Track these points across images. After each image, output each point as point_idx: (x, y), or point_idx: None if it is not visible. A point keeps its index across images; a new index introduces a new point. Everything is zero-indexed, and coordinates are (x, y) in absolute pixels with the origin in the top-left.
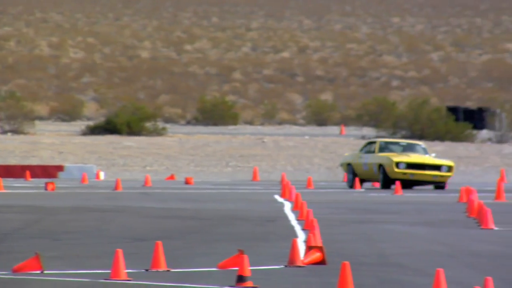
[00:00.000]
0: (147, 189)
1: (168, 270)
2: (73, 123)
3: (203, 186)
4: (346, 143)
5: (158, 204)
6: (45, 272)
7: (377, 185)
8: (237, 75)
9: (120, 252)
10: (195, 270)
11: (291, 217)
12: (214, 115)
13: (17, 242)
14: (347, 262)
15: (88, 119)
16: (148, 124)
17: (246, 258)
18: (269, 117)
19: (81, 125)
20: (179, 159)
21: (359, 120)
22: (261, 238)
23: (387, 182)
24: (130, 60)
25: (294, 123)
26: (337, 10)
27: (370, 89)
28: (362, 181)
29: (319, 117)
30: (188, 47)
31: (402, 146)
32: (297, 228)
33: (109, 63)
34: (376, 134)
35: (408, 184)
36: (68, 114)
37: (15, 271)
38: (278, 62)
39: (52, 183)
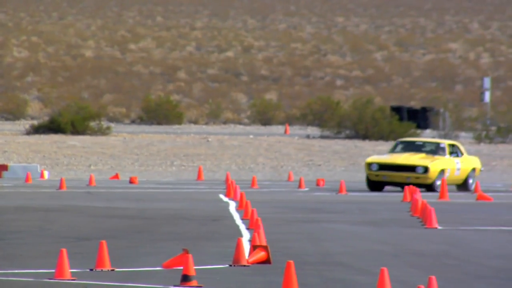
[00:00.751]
0: (92, 188)
1: (112, 270)
2: (17, 122)
3: (147, 185)
4: (290, 142)
5: (102, 204)
6: None
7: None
8: (181, 74)
9: (64, 251)
10: (139, 270)
11: (236, 217)
12: (159, 114)
13: None
14: (291, 262)
15: (32, 118)
16: (93, 124)
17: (190, 257)
18: (214, 117)
19: (25, 124)
20: (123, 159)
21: (303, 119)
22: (206, 237)
23: (369, 184)
24: (74, 59)
25: (239, 122)
26: (282, 9)
27: (314, 88)
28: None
29: (263, 117)
30: (132, 46)
31: (418, 145)
32: (242, 228)
33: (53, 62)
34: (321, 133)
35: (384, 185)
36: (11, 113)
37: None
38: (223, 62)
39: None
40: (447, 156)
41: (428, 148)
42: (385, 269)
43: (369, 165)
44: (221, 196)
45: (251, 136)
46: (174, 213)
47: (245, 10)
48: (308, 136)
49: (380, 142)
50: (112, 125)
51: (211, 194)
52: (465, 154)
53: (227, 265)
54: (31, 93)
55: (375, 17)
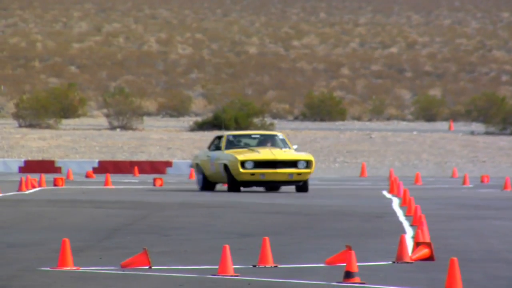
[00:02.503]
0: None
1: (275, 266)
2: (181, 118)
3: (310, 182)
4: (454, 138)
5: (265, 200)
6: (153, 267)
7: None
8: (345, 70)
9: (227, 247)
10: (302, 266)
11: (399, 213)
12: (322, 110)
13: (125, 237)
14: (455, 258)
15: (196, 114)
16: (256, 120)
17: (353, 254)
18: (377, 113)
19: (189, 120)
20: None
21: (468, 115)
22: (368, 234)
23: (234, 185)
24: (238, 56)
25: (402, 118)
26: (446, 5)
27: (479, 84)
28: (213, 183)
29: (427, 113)
30: (295, 43)
31: (256, 139)
32: (405, 224)
33: (217, 59)
34: (485, 129)
35: (261, 186)
36: (176, 110)
37: (123, 267)
38: (386, 58)
39: (160, 178)
40: (291, 148)
41: (264, 141)
42: None
43: (243, 163)
44: (384, 192)
45: (415, 133)
46: (337, 209)
47: (409, 5)
48: (472, 133)
49: None
50: (275, 121)
51: (374, 191)
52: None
53: (390, 262)
54: (195, 89)
55: None
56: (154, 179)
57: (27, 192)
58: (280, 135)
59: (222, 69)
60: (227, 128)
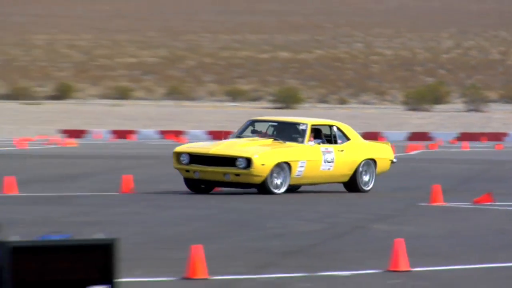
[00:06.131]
0: None
1: None
2: None
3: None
4: None
5: None
6: (495, 203)
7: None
8: None
9: None
10: None
11: None
12: None
13: (477, 184)
14: None
15: None
16: None
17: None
18: None
19: None
20: None
21: None
22: None
23: (186, 183)
24: None
25: None
26: None
27: None
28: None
29: None
30: None
31: (273, 127)
32: None
33: None
34: None
35: (202, 185)
36: None
37: (475, 203)
38: None
39: (500, 144)
40: (305, 142)
41: (284, 131)
42: None
43: (178, 156)
44: None
45: None
46: None
47: None
48: None
49: None
50: None
51: None
52: (354, 140)
53: None
54: None
55: None
56: (495, 145)
57: (412, 153)
58: (303, 124)
59: None
60: None
